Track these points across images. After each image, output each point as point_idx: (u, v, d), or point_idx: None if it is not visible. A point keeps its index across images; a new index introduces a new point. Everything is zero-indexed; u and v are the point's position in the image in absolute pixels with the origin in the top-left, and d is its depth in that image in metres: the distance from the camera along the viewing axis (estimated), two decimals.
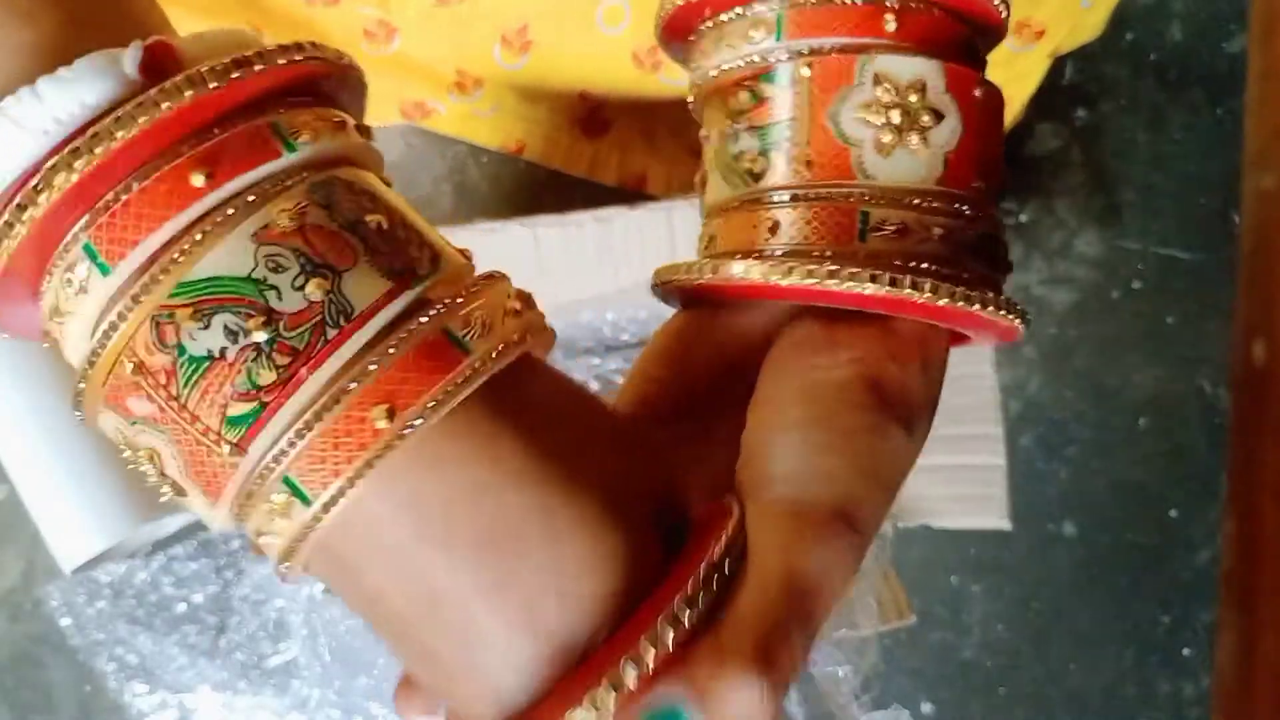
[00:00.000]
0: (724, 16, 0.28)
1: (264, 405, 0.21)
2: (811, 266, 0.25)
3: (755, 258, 0.26)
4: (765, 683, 0.21)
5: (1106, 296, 0.71)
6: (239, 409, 0.21)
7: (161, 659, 0.65)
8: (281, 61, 0.21)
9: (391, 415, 0.21)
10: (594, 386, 0.60)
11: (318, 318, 0.21)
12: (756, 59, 0.27)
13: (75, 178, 0.20)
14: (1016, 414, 0.70)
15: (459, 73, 0.58)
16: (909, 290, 0.24)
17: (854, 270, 0.24)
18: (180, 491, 0.22)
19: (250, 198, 0.21)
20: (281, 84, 0.22)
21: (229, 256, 0.21)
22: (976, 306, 0.25)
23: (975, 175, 0.27)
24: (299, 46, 0.22)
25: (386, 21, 0.54)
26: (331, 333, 0.21)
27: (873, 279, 0.24)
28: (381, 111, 0.62)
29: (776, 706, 0.22)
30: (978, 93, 0.27)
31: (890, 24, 0.26)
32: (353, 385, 0.21)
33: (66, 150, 0.20)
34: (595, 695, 0.21)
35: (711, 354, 0.29)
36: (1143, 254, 0.71)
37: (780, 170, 0.26)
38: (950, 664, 0.70)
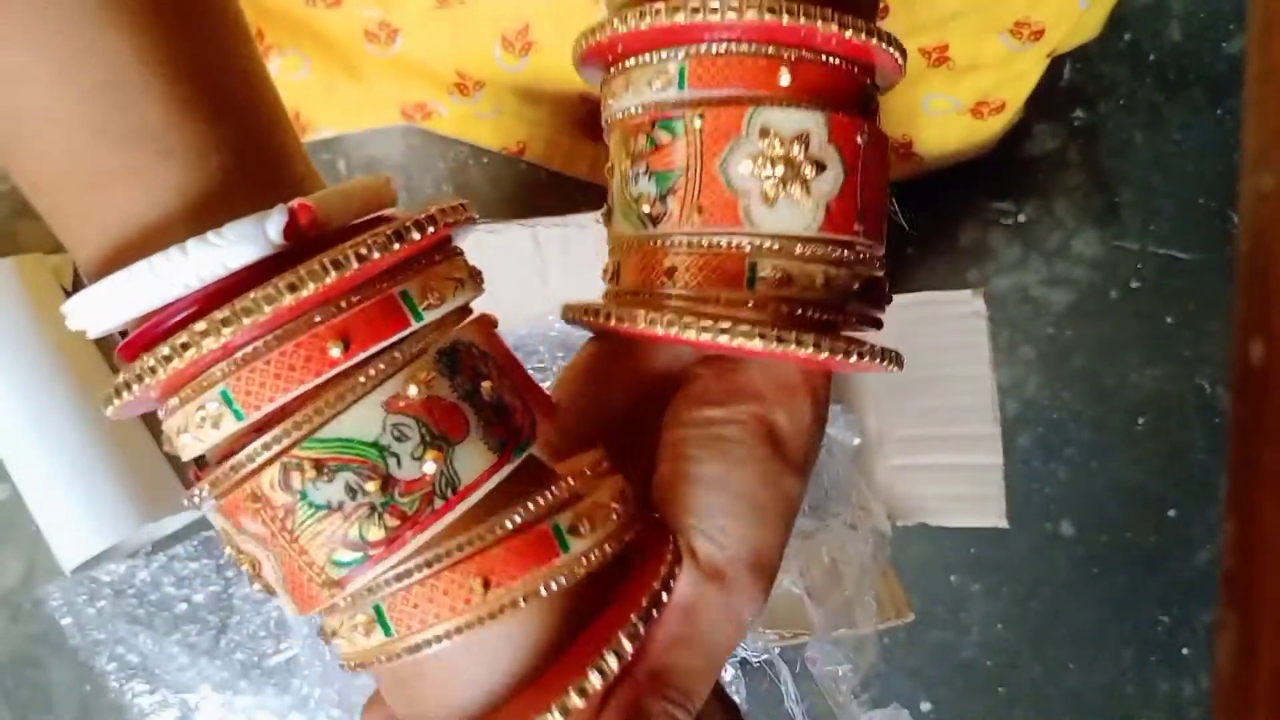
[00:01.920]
0: (630, 62, 0.28)
1: (368, 557, 0.23)
2: (705, 323, 0.26)
3: (655, 309, 0.27)
4: (686, 712, 0.26)
5: (1105, 296, 0.71)
6: (345, 555, 0.23)
7: (162, 658, 0.65)
8: (417, 237, 0.23)
9: (486, 587, 0.24)
10: None
11: (429, 489, 0.23)
12: (655, 105, 0.28)
13: (221, 342, 0.22)
14: (1015, 414, 0.71)
15: (459, 74, 0.58)
16: (793, 347, 0.26)
17: (744, 328, 0.26)
18: (271, 592, 0.25)
19: (381, 365, 0.23)
20: (412, 253, 0.24)
21: (359, 422, 0.23)
22: (854, 359, 0.28)
23: (856, 220, 0.28)
24: (431, 218, 0.24)
25: (388, 23, 0.54)
26: (439, 503, 0.23)
27: (761, 336, 0.26)
28: (383, 113, 0.62)
29: None
30: (860, 140, 0.28)
31: (784, 77, 0.27)
32: (455, 552, 0.24)
33: (218, 318, 0.22)
34: (544, 717, 0.23)
35: (625, 382, 0.31)
36: (1141, 254, 0.71)
37: (674, 216, 0.28)
38: (949, 663, 0.70)
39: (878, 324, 0.30)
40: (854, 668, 0.53)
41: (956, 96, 0.60)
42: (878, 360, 0.29)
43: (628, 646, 0.24)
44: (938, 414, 0.54)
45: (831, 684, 0.52)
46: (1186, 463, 0.70)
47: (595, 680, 0.24)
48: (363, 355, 0.23)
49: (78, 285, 0.68)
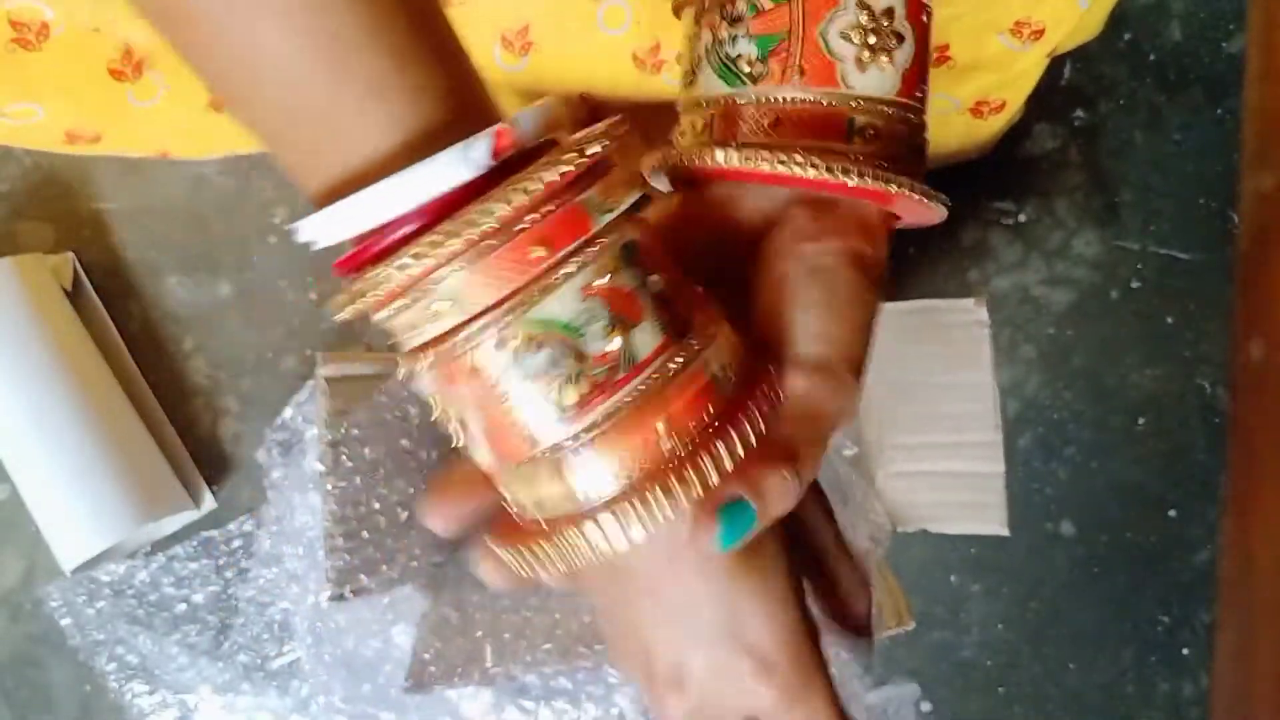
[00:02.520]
0: None
1: (564, 417, 0.28)
2: (828, 162, 0.31)
3: (777, 151, 0.32)
4: (794, 471, 0.30)
5: (1105, 296, 0.71)
6: (547, 414, 0.28)
7: (162, 659, 0.65)
8: (597, 150, 0.27)
9: (670, 432, 0.29)
10: None
11: (615, 362, 0.28)
12: None
13: (449, 250, 0.26)
14: (1015, 414, 0.71)
15: None
16: (893, 187, 0.31)
17: (855, 169, 0.31)
18: (471, 447, 0.30)
19: (575, 261, 0.28)
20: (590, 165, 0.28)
21: (560, 307, 0.28)
22: (935, 204, 0.33)
23: (919, 86, 0.33)
24: (606, 133, 0.28)
25: None
26: (621, 374, 0.28)
27: (872, 176, 0.31)
28: None
29: (803, 488, 0.30)
30: (925, 18, 0.33)
31: None
32: (632, 401, 0.28)
33: (446, 229, 0.26)
34: (683, 483, 0.28)
35: (714, 231, 0.34)
36: (1141, 254, 0.71)
37: (775, 75, 0.32)
38: (949, 663, 0.70)
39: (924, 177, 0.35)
40: (853, 657, 0.53)
41: (957, 96, 0.60)
42: (936, 202, 0.33)
43: (758, 424, 0.30)
44: (939, 421, 0.54)
45: (836, 670, 0.52)
46: (1186, 463, 0.70)
47: (725, 450, 0.29)
48: (560, 255, 0.27)
49: (77, 285, 0.68)
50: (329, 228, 0.27)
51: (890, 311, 0.55)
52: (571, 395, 0.28)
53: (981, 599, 0.70)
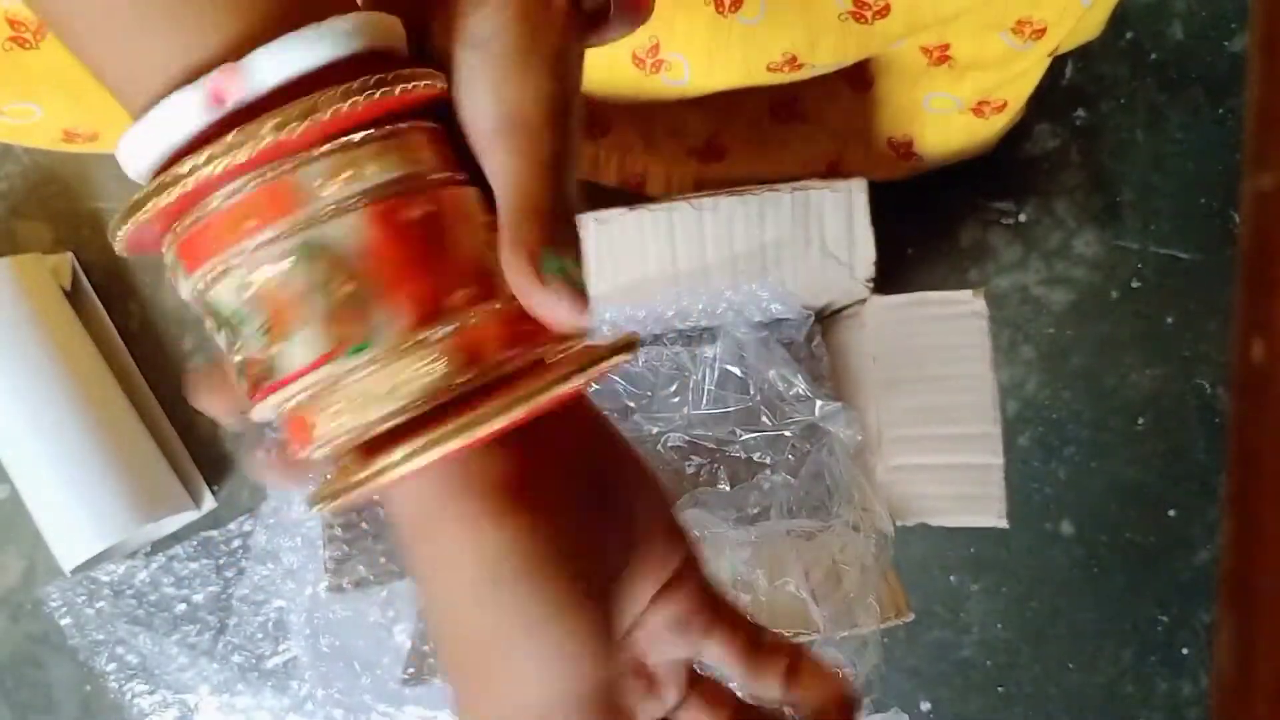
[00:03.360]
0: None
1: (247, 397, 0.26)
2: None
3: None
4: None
5: (1105, 296, 0.71)
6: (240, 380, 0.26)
7: (161, 658, 0.65)
8: (330, 111, 0.23)
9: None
10: (593, 385, 0.60)
11: (263, 370, 0.25)
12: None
13: (150, 211, 0.24)
14: (1015, 414, 0.70)
15: None
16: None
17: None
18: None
19: (240, 255, 0.24)
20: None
21: (226, 295, 0.25)
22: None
23: None
24: (370, 84, 0.24)
25: None
26: (268, 383, 0.25)
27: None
28: None
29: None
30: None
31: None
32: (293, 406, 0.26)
33: (151, 188, 0.23)
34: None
35: None
36: (1142, 254, 0.71)
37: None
38: (949, 662, 0.70)
39: None
40: (856, 669, 0.53)
41: (958, 95, 0.60)
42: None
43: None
44: (938, 414, 0.54)
45: None
46: (1186, 463, 0.70)
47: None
48: (235, 243, 0.24)
49: (76, 285, 0.68)
50: (136, 150, 0.24)
51: (888, 304, 0.55)
52: (243, 384, 0.25)
53: (981, 598, 0.70)
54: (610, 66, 0.56)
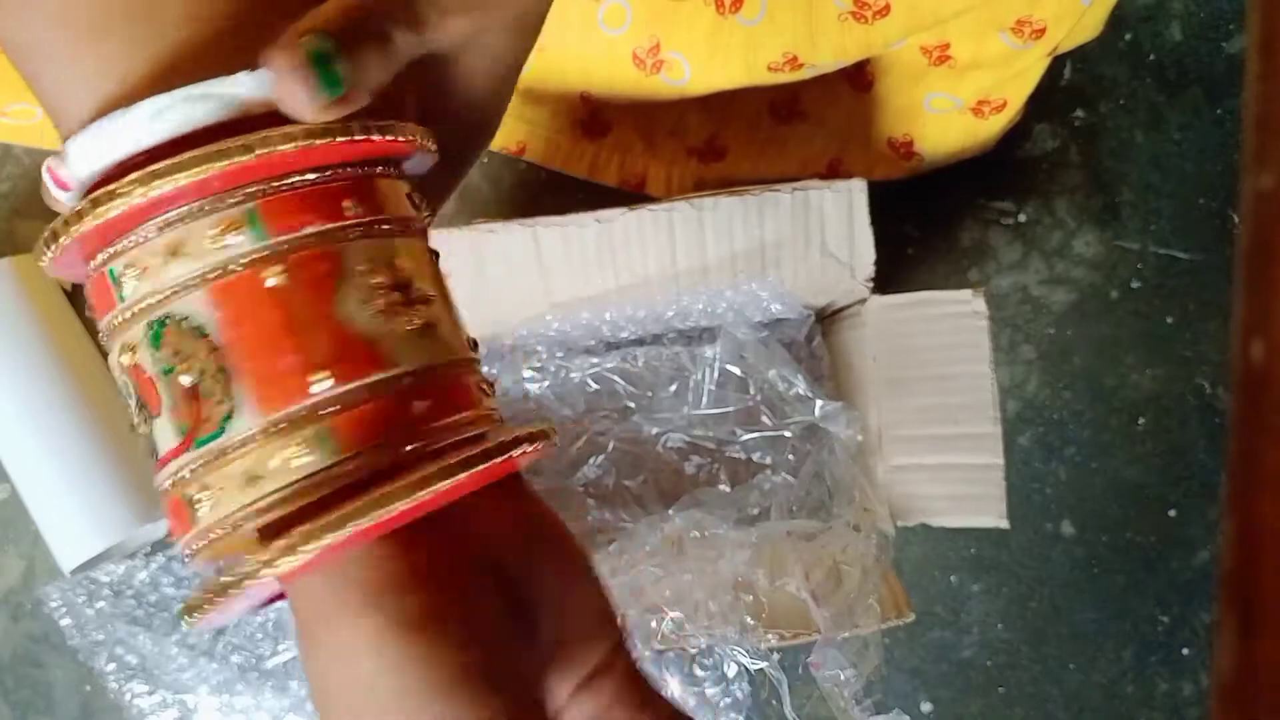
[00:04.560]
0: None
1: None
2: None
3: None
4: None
5: (1105, 296, 0.71)
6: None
7: (161, 659, 0.65)
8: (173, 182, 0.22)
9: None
10: (593, 386, 0.60)
11: (150, 445, 0.24)
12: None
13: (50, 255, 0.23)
14: (1015, 414, 0.71)
15: None
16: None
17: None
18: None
19: (109, 325, 0.24)
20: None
21: (114, 365, 0.24)
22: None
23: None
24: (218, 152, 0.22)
25: None
26: (155, 458, 0.24)
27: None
28: None
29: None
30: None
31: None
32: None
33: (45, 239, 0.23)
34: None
35: None
36: (1141, 254, 0.71)
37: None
38: (949, 663, 0.70)
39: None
40: (858, 672, 0.53)
41: (958, 95, 0.60)
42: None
43: None
44: (937, 414, 0.54)
45: (834, 689, 0.52)
46: (1186, 463, 0.70)
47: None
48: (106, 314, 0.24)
49: (76, 286, 0.68)
50: (73, 164, 0.23)
51: (888, 304, 0.55)
52: (145, 449, 0.24)
53: (981, 599, 0.70)
54: (610, 66, 0.56)
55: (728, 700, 0.57)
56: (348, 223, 0.23)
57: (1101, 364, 0.71)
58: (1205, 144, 0.71)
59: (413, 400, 0.23)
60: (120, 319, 0.23)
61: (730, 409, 0.59)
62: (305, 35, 0.22)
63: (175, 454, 0.23)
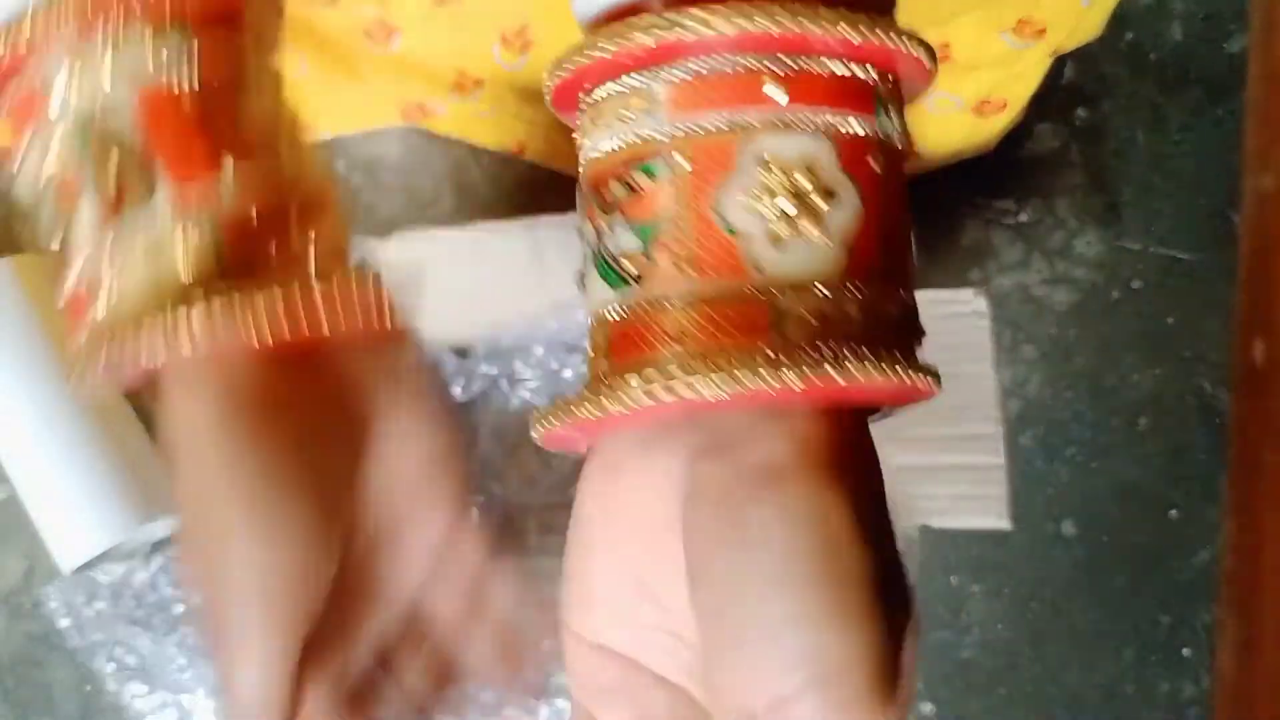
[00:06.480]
0: (599, 94, 0.26)
1: None
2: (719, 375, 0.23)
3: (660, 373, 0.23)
4: None
5: (1106, 296, 0.71)
6: None
7: (161, 659, 0.65)
8: None
9: None
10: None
11: None
12: (630, 145, 0.25)
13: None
14: (1016, 414, 0.70)
15: (459, 73, 0.58)
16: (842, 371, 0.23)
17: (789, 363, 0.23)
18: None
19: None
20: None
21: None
22: (920, 381, 0.27)
23: (880, 258, 0.25)
24: None
25: (386, 21, 0.54)
26: None
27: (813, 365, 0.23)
28: (382, 114, 0.62)
29: None
30: (874, 162, 0.25)
31: (780, 95, 0.24)
32: None
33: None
34: None
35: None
36: (1142, 254, 0.71)
37: (666, 270, 0.24)
38: (949, 664, 0.70)
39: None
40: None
41: (959, 95, 0.60)
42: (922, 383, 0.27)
43: None
44: (939, 414, 0.54)
45: None
46: (1187, 463, 0.70)
47: None
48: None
49: None
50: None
51: None
52: None
53: (982, 599, 0.70)
54: None
55: None
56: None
57: (1103, 364, 0.71)
58: (1206, 144, 0.70)
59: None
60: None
61: None
62: None
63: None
